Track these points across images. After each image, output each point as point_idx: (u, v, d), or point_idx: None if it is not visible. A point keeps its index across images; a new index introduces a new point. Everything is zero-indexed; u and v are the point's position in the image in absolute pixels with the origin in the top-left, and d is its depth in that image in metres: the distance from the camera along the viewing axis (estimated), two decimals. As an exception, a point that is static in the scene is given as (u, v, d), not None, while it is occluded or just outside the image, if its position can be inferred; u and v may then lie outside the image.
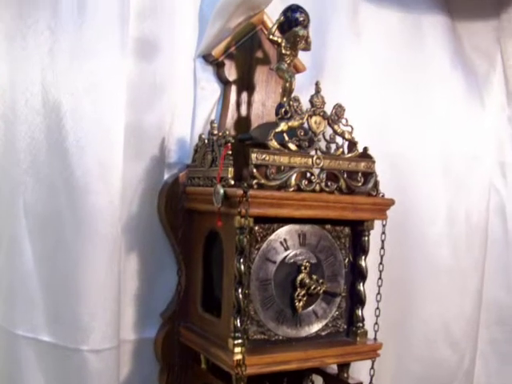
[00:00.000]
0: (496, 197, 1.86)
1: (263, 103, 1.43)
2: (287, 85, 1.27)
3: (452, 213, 1.73)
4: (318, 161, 1.17)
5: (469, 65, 1.81)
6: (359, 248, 1.26)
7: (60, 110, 1.20)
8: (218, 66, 1.41)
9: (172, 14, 1.35)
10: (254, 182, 1.09)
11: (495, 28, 1.84)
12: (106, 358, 1.23)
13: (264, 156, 1.11)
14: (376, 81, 1.65)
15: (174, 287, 1.36)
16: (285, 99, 1.26)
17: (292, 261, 1.18)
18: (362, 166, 1.23)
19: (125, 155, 1.25)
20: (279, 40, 1.26)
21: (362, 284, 1.27)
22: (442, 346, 1.75)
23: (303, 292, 1.18)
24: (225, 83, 1.41)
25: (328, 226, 1.23)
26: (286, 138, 1.14)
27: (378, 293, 1.29)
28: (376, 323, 1.29)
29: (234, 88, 1.40)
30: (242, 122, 1.41)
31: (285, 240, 1.17)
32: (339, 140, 1.22)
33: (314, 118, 1.18)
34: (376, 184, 1.25)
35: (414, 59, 1.70)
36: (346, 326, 1.28)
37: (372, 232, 1.26)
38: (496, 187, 1.86)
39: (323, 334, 1.24)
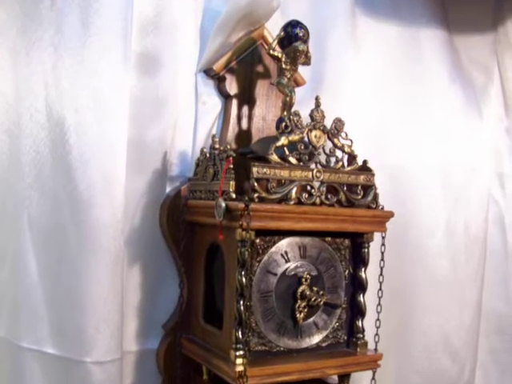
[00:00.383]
0: (495, 208, 1.87)
1: (264, 117, 1.44)
2: (287, 99, 1.28)
3: (451, 224, 1.74)
4: (318, 174, 1.18)
5: (467, 77, 1.82)
6: (359, 260, 1.27)
7: (64, 125, 1.22)
8: (219, 81, 1.42)
9: (174, 29, 1.37)
10: (256, 195, 1.10)
11: (492, 41, 1.86)
12: (109, 369, 1.24)
13: (265, 170, 1.12)
14: (375, 94, 1.66)
15: (175, 299, 1.37)
16: (285, 113, 1.28)
17: (293, 273, 1.19)
18: (362, 179, 1.24)
19: (127, 169, 1.27)
20: (279, 55, 1.28)
21: (362, 295, 1.27)
22: (442, 356, 1.75)
23: (304, 304, 1.19)
24: (226, 97, 1.42)
25: (328, 239, 1.24)
26: (287, 152, 1.16)
27: (379, 304, 1.30)
28: (376, 334, 1.30)
29: (234, 102, 1.41)
30: (243, 136, 1.42)
31: (286, 252, 1.18)
32: (339, 153, 1.24)
33: (314, 132, 1.20)
34: (375, 197, 1.26)
35: (412, 72, 1.72)
36: (346, 337, 1.28)
37: (372, 244, 1.27)
38: (494, 198, 1.87)
39: (324, 345, 1.25)
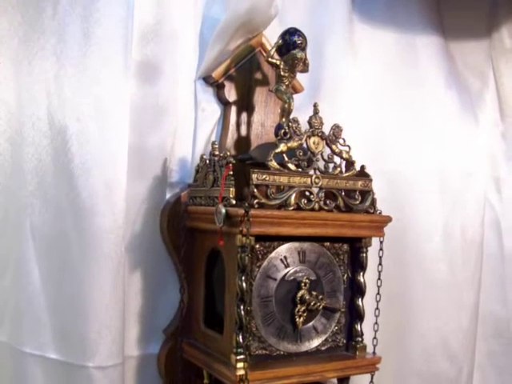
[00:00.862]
0: (491, 212, 1.88)
1: (262, 123, 1.45)
2: (286, 106, 1.30)
3: (448, 228, 1.75)
4: (316, 180, 1.20)
5: (462, 83, 1.84)
6: (357, 264, 1.28)
7: (66, 133, 1.23)
8: (218, 88, 1.43)
9: (173, 38, 1.38)
10: (255, 201, 1.11)
11: (487, 47, 1.88)
12: (111, 374, 1.25)
13: (264, 176, 1.13)
14: (372, 100, 1.68)
15: (176, 304, 1.38)
16: (284, 120, 1.29)
17: (292, 278, 1.20)
18: (360, 184, 1.26)
19: (128, 176, 1.28)
20: (278, 62, 1.29)
21: (360, 299, 1.29)
22: (440, 359, 1.76)
23: (303, 308, 1.20)
24: (225, 104, 1.44)
25: (327, 244, 1.25)
26: (286, 159, 1.17)
27: (377, 308, 1.31)
28: (375, 338, 1.31)
29: (233, 109, 1.43)
30: (242, 142, 1.43)
31: (285, 257, 1.19)
32: (337, 159, 1.25)
33: (312, 139, 1.21)
34: (373, 202, 1.27)
35: (409, 78, 1.74)
36: (345, 341, 1.29)
37: (370, 248, 1.28)
38: (491, 202, 1.88)
39: (323, 348, 1.26)
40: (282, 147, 1.17)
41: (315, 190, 1.20)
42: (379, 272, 1.31)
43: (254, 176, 1.12)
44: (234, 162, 1.17)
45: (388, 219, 1.28)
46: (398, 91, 1.72)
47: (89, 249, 1.23)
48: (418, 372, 1.75)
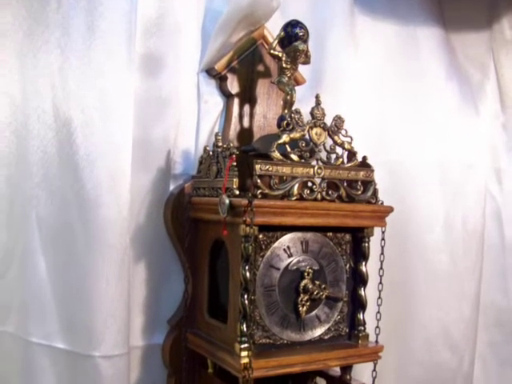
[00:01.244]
0: (492, 203, 1.89)
1: (265, 115, 1.46)
2: (288, 97, 1.30)
3: (449, 219, 1.76)
4: (319, 171, 1.20)
5: (463, 74, 1.85)
6: (360, 254, 1.29)
7: (71, 126, 1.24)
8: (220, 80, 1.44)
9: (176, 31, 1.39)
10: (259, 191, 1.12)
11: (488, 38, 1.89)
12: (116, 363, 1.27)
13: (267, 167, 1.14)
14: (374, 91, 1.69)
15: (180, 295, 1.39)
16: (286, 111, 1.30)
17: (295, 267, 1.21)
18: (362, 174, 1.27)
19: (132, 167, 1.29)
20: (280, 54, 1.30)
21: (363, 289, 1.30)
22: (442, 349, 1.78)
23: (306, 297, 1.21)
24: (227, 96, 1.45)
25: (329, 234, 1.26)
26: (288, 149, 1.18)
27: (379, 297, 1.32)
28: (377, 327, 1.33)
29: (236, 101, 1.43)
30: (245, 134, 1.44)
31: (288, 247, 1.20)
32: (339, 150, 1.26)
33: (314, 130, 1.22)
34: (375, 192, 1.28)
35: (410, 70, 1.75)
36: (348, 330, 1.30)
37: (372, 238, 1.29)
38: (492, 193, 1.89)
39: (326, 337, 1.27)
40: (285, 138, 1.18)
41: (317, 180, 1.21)
42: (381, 262, 1.31)
43: (257, 166, 1.13)
44: (237, 152, 1.17)
45: (390, 209, 1.29)
46: (399, 83, 1.72)
47: (94, 240, 1.24)
48: (420, 361, 1.76)
